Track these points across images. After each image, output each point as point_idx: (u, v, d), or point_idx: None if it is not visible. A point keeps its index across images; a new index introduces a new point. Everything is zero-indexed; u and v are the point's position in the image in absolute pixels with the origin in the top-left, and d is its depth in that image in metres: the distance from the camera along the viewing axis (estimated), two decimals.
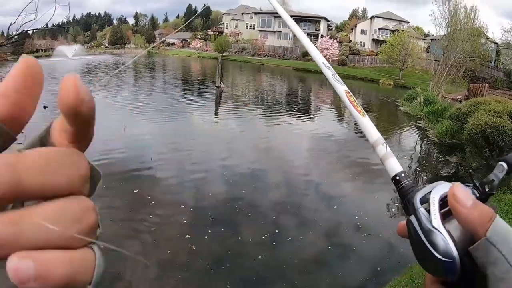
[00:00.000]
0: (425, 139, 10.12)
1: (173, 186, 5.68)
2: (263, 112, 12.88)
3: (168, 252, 3.89)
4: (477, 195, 0.32)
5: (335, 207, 5.14)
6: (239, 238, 4.22)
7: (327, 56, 34.16)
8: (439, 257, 0.28)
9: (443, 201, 0.31)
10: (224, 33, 50.55)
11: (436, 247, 0.29)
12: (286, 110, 13.07)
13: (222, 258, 3.81)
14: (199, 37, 57.16)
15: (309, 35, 44.40)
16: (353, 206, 5.20)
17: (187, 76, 25.34)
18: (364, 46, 42.92)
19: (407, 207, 0.33)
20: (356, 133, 10.21)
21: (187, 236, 4.20)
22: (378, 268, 3.79)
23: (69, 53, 40.09)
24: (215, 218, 4.62)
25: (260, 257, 3.84)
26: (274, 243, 4.12)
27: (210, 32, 57.10)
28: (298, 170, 6.73)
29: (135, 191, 5.39)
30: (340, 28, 64.84)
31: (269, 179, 6.15)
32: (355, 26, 47.29)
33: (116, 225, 4.42)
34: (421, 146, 9.71)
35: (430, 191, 0.32)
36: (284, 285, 3.46)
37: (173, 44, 60.36)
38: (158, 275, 3.50)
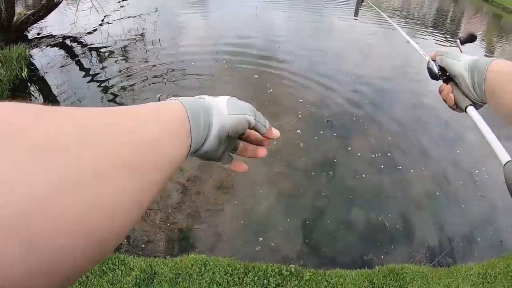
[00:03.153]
0: None
1: (293, 81, 5.63)
2: (405, 24, 11.70)
3: (275, 143, 3.95)
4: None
5: (458, 151, 4.62)
6: (349, 148, 4.14)
7: None
8: (433, 71, 0.78)
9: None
10: None
11: (432, 68, 0.78)
12: (432, 30, 11.56)
13: (325, 164, 3.81)
14: None
15: None
16: (479, 159, 4.52)
17: None
18: None
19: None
20: None
21: (298, 131, 4.23)
22: (478, 239, 3.37)
23: None
24: (331, 121, 4.55)
25: (364, 175, 3.77)
26: (382, 166, 3.97)
27: None
28: (429, 98, 6.03)
29: (255, 76, 5.61)
30: None
31: (396, 98, 5.76)
32: None
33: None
34: None
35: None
36: (377, 213, 3.37)
37: None
38: (257, 165, 3.60)
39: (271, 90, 5.19)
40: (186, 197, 3.38)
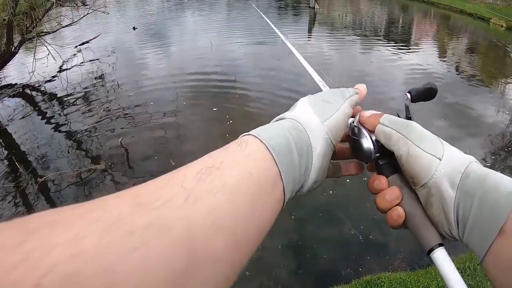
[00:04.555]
0: None
1: (252, 106, 5.78)
2: (359, 38, 12.14)
3: None
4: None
5: None
6: None
7: None
8: (364, 146, 0.42)
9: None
10: None
11: (362, 142, 0.43)
12: (384, 39, 12.19)
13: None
14: None
15: None
16: None
17: None
18: None
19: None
20: (457, 75, 9.26)
21: None
22: None
23: None
24: None
25: (331, 192, 3.84)
26: (347, 180, 4.01)
27: None
28: (390, 105, 6.29)
29: (214, 109, 5.70)
30: None
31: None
32: None
33: (194, 141, 4.76)
34: None
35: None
36: (349, 227, 3.46)
37: None
38: None
39: (231, 121, 5.27)
40: None
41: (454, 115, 6.22)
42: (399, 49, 11.14)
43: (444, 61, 10.81)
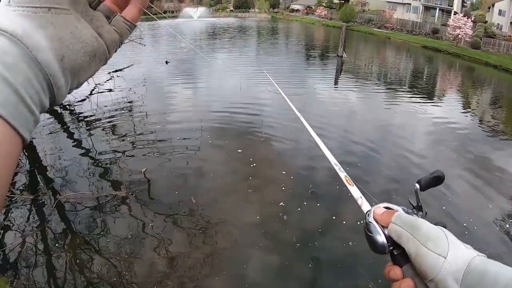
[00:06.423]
0: None
1: (277, 151, 5.76)
2: (384, 88, 12.20)
3: (258, 217, 3.95)
4: (409, 210, 0.51)
5: (444, 207, 4.60)
6: (334, 217, 4.11)
7: (459, 35, 30.16)
8: (378, 242, 0.48)
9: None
10: (350, 2, 47.97)
11: (376, 238, 0.48)
12: (409, 91, 12.17)
13: (310, 235, 3.77)
14: (324, 4, 55.23)
15: (441, 10, 39.89)
16: (463, 210, 4.63)
17: (309, 43, 25.06)
18: (501, 29, 36.31)
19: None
20: (481, 128, 9.09)
21: (281, 203, 4.22)
22: None
23: (194, 15, 43.16)
24: (315, 192, 4.56)
25: (350, 243, 3.70)
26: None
27: (335, 0, 54.79)
28: (412, 157, 6.22)
29: (239, 150, 5.74)
30: (475, 6, 56.43)
31: (381, 161, 5.90)
32: (493, 5, 40.01)
33: (216, 180, 4.72)
34: None
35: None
36: (367, 280, 3.26)
37: (297, 10, 59.89)
38: (241, 239, 3.61)
39: (255, 164, 5.24)
40: (171, 271, 3.29)
41: (478, 168, 6.06)
42: (424, 100, 11.11)
43: (468, 113, 10.67)
